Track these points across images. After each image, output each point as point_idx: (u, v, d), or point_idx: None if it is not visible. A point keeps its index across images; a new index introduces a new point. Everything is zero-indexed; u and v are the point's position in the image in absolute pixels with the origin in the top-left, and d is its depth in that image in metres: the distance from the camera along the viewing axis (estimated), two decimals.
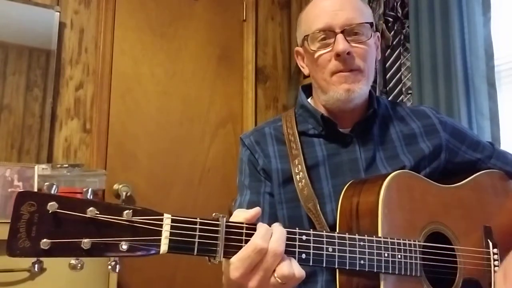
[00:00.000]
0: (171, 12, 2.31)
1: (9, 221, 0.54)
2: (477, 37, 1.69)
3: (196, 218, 0.62)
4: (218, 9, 2.44)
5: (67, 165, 1.82)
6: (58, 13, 1.99)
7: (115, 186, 2.05)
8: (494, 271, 0.91)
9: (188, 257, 0.62)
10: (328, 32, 0.91)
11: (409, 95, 1.92)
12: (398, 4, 1.99)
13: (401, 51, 1.99)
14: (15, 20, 1.90)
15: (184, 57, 2.32)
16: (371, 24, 0.94)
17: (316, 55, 0.93)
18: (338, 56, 0.90)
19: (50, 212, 0.54)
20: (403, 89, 1.95)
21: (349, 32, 0.91)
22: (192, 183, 2.25)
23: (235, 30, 2.49)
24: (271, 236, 0.64)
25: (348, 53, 0.89)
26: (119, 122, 2.12)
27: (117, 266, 0.59)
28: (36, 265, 0.55)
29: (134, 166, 2.12)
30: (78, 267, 0.55)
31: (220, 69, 2.41)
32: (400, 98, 1.95)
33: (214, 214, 0.64)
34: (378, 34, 1.01)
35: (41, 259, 0.55)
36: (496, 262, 0.92)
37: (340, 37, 0.90)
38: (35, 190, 1.60)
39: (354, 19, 0.91)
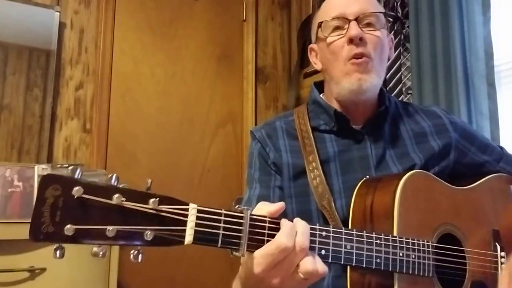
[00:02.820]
0: (171, 12, 2.31)
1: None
2: (477, 37, 1.70)
3: (221, 210, 0.61)
4: (218, 9, 2.45)
5: (67, 165, 1.81)
6: (58, 13, 1.98)
7: None
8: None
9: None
10: (342, 20, 0.93)
11: (409, 95, 1.92)
12: (398, 4, 2.00)
13: (401, 51, 1.99)
14: (15, 20, 1.90)
15: (184, 57, 2.32)
16: (384, 14, 0.96)
17: (329, 40, 0.95)
18: (351, 41, 0.91)
19: (75, 197, 0.52)
20: (403, 89, 1.96)
21: (362, 20, 0.93)
22: (192, 183, 2.24)
23: (235, 30, 2.49)
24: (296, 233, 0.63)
25: (361, 39, 0.91)
26: (119, 122, 2.11)
27: (140, 255, 0.56)
28: (58, 251, 0.52)
29: (134, 166, 2.12)
30: (100, 255, 0.53)
31: (220, 69, 2.41)
32: (400, 98, 1.95)
33: (237, 206, 0.63)
34: (392, 36, 1.03)
35: (63, 245, 0.52)
36: (503, 266, 0.91)
37: (353, 23, 0.92)
38: (35, 190, 1.60)
39: (367, 9, 0.94)
